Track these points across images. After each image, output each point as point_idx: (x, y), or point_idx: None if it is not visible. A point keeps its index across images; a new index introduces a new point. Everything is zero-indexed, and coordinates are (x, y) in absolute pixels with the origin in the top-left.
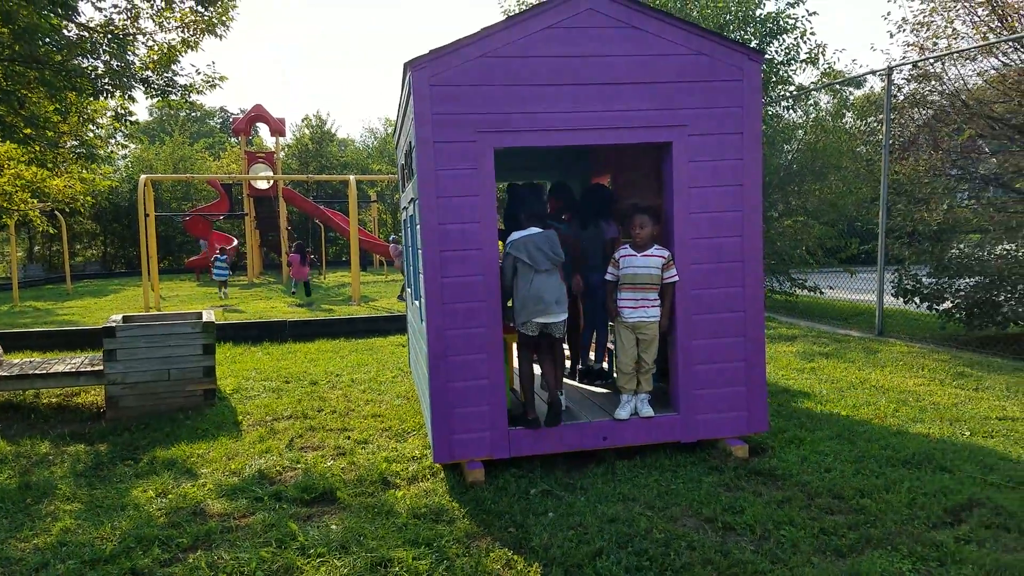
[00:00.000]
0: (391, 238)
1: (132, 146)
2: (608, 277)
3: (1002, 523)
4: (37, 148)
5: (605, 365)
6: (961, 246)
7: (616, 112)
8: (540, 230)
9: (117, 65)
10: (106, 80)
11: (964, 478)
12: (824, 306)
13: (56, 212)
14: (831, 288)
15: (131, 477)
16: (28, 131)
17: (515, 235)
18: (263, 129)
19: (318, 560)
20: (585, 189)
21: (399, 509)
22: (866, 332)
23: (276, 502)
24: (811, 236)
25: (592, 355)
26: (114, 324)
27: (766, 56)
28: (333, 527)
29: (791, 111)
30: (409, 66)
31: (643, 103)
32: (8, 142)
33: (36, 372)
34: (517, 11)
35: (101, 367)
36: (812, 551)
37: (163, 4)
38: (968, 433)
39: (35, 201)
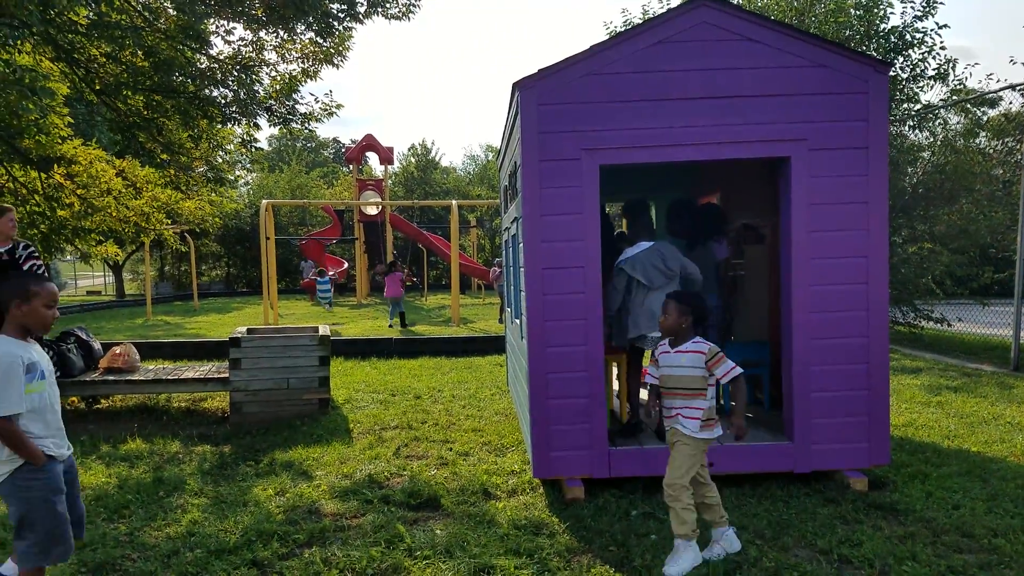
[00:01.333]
0: (495, 261)
1: (254, 173)
2: (647, 379)
3: None
4: (172, 172)
5: None
6: None
7: (728, 127)
8: (651, 243)
9: (244, 94)
10: (233, 108)
11: None
12: (951, 339)
13: (186, 234)
14: (960, 320)
15: (252, 476)
16: (164, 156)
17: (628, 252)
18: (373, 158)
19: (424, 562)
20: (695, 208)
21: (500, 520)
22: (999, 367)
23: (384, 505)
24: (939, 264)
25: None
26: (239, 335)
27: (890, 74)
28: (438, 532)
29: (916, 131)
30: (517, 86)
31: (759, 117)
32: (147, 166)
33: (169, 378)
34: (621, 29)
35: (227, 375)
36: None
37: (285, 36)
38: None
39: (168, 221)
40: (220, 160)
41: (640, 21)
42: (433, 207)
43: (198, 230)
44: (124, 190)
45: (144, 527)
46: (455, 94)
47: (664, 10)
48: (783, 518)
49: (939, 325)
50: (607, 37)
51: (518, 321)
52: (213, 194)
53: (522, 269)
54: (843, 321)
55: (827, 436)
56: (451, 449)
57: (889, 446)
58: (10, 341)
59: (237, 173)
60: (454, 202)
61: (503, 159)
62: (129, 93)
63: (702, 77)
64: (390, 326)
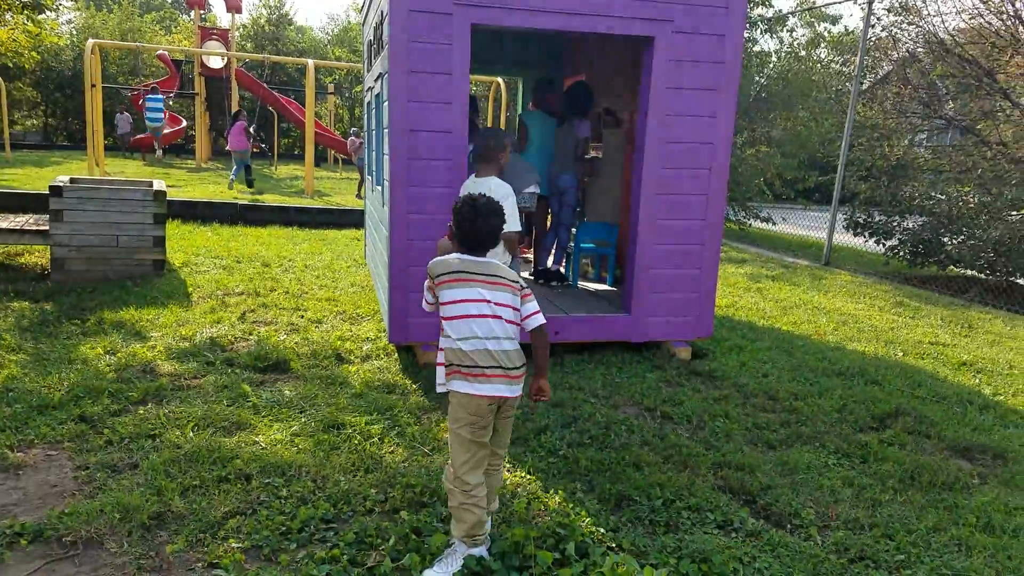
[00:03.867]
0: (352, 131)
1: (78, 12)
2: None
3: (924, 430)
4: None
5: (562, 268)
6: (914, 184)
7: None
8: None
9: None
10: None
11: (893, 390)
12: (775, 238)
13: None
14: (784, 221)
15: (78, 335)
16: None
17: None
18: (219, 5)
19: (271, 418)
20: (568, 87)
21: (352, 381)
22: (813, 262)
23: (228, 367)
24: (772, 167)
25: (551, 257)
26: (61, 184)
27: None
28: (287, 392)
29: (766, 36)
30: None
31: None
32: None
33: None
34: None
35: (47, 227)
36: (744, 441)
37: None
38: (901, 354)
39: None
40: None
41: None
42: (286, 65)
43: (11, 67)
44: None
45: None
46: None
47: None
48: (616, 381)
49: (766, 224)
50: None
51: (380, 188)
52: (29, 22)
53: (385, 131)
54: (686, 204)
55: (660, 310)
56: (303, 317)
57: (712, 320)
58: None
59: (61, 3)
60: (310, 61)
61: (367, 11)
62: None
63: None
64: (230, 187)
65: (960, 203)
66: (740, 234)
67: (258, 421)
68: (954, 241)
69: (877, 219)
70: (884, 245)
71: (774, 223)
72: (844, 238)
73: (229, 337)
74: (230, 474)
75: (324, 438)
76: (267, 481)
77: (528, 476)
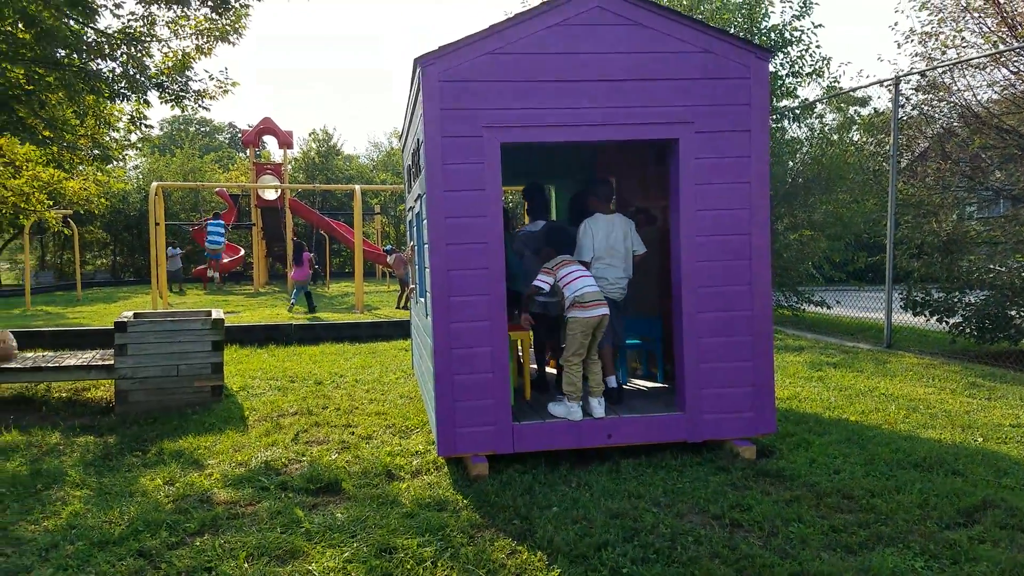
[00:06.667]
0: (386, 248)
1: (144, 157)
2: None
3: (1017, 524)
4: (55, 150)
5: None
6: (971, 258)
7: (622, 108)
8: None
9: (133, 69)
10: (123, 84)
11: (977, 481)
12: (831, 321)
13: (69, 220)
14: (838, 303)
15: (139, 467)
16: (47, 133)
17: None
18: (271, 143)
19: (324, 544)
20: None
21: (403, 500)
22: (874, 345)
23: (282, 491)
24: (818, 250)
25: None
26: (125, 320)
27: (770, 69)
28: (338, 515)
29: (795, 124)
30: (419, 61)
31: (650, 100)
32: (28, 143)
33: (48, 365)
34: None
35: (112, 362)
36: (821, 547)
37: (179, 11)
38: (981, 439)
39: (51, 203)
40: (108, 139)
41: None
42: (335, 192)
43: (83, 213)
44: (2, 168)
45: (19, 521)
46: (358, 81)
47: None
48: (678, 486)
49: (819, 308)
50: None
51: (423, 300)
52: (99, 173)
53: (426, 246)
54: (729, 294)
55: (716, 406)
56: (353, 433)
57: (775, 416)
58: None
59: (127, 153)
60: (357, 187)
61: (406, 137)
62: (8, 65)
63: (596, 60)
64: (290, 310)
65: (1023, 274)
66: (795, 320)
67: (311, 548)
68: (1022, 314)
69: (936, 296)
70: (947, 323)
71: (828, 306)
72: (904, 318)
73: (283, 460)
74: None
75: (376, 564)
76: None
77: None
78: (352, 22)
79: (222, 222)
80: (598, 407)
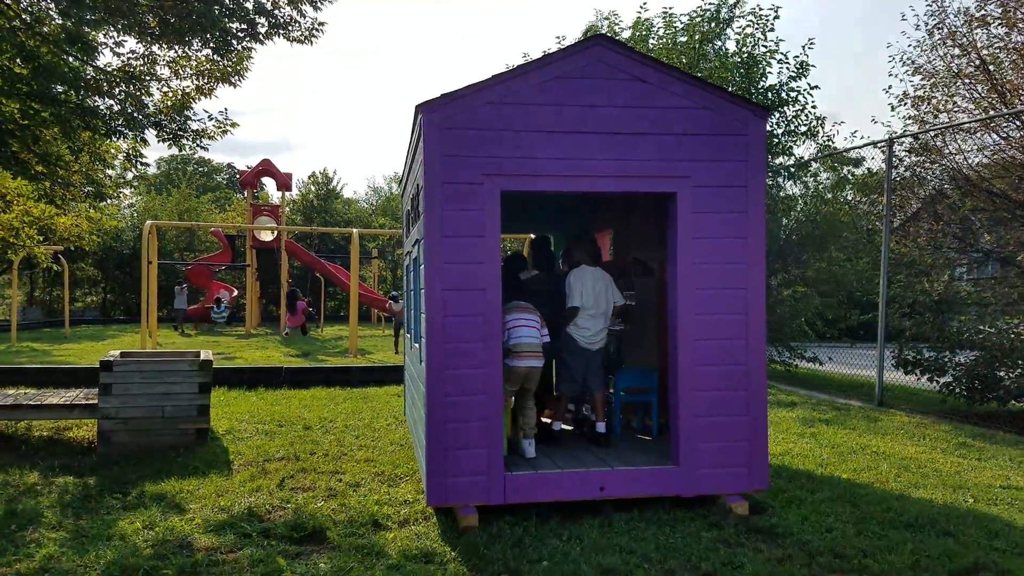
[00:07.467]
0: (392, 294)
1: (140, 196)
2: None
3: None
4: (47, 185)
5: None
6: (961, 318)
7: (620, 161)
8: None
9: (131, 107)
10: (120, 121)
11: (969, 542)
12: (823, 377)
13: (59, 256)
14: (831, 360)
15: (118, 509)
16: (40, 168)
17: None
18: (270, 184)
19: None
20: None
21: (389, 551)
22: (866, 402)
23: (265, 539)
24: (811, 306)
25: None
26: (111, 359)
27: (767, 129)
28: (322, 565)
29: (790, 182)
30: (421, 108)
31: (648, 154)
32: (20, 178)
33: (30, 403)
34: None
35: (95, 401)
36: None
37: (180, 52)
38: (972, 500)
39: (41, 238)
40: (103, 176)
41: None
42: (333, 235)
43: (73, 249)
44: None
45: None
46: (359, 124)
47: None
48: (669, 542)
49: (812, 364)
50: (508, 68)
51: (417, 345)
52: (92, 209)
53: (422, 290)
54: (724, 349)
55: (711, 460)
56: (341, 480)
57: (768, 472)
58: None
59: (122, 191)
60: (355, 230)
61: (405, 182)
62: (3, 100)
63: (596, 113)
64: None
65: (1012, 335)
66: (787, 376)
67: None
68: (1010, 375)
69: (927, 355)
70: (938, 382)
71: (821, 363)
72: (895, 376)
73: (267, 506)
74: None
75: None
76: None
77: None
78: (353, 55)
79: (224, 305)
80: (528, 447)
